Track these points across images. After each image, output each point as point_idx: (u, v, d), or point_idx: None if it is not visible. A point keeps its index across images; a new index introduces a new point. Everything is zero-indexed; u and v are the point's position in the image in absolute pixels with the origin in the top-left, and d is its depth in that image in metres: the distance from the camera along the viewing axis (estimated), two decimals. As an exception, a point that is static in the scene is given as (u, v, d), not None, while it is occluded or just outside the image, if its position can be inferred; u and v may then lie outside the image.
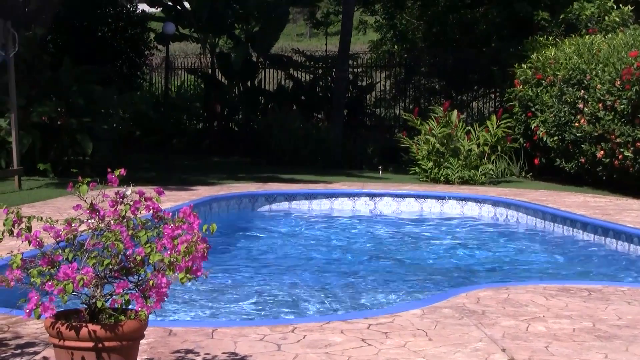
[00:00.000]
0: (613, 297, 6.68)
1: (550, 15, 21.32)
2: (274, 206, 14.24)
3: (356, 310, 7.39)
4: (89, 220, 4.10)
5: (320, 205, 14.48)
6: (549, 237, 12.12)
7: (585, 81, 16.06)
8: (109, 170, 4.15)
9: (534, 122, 17.72)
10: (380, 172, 18.97)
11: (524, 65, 18.76)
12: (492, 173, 17.46)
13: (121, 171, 4.13)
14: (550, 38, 19.51)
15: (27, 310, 3.79)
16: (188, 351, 4.85)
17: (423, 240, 12.12)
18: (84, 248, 3.99)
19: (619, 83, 14.90)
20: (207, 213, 12.41)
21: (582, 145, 15.90)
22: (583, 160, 16.08)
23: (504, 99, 20.45)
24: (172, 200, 11.66)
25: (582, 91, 16.07)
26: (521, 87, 18.58)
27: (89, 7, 24.54)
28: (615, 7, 19.29)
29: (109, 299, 3.93)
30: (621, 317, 6.00)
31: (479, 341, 5.25)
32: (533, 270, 9.85)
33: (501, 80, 22.95)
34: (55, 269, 3.89)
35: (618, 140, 14.79)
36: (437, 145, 17.36)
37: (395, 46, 28.94)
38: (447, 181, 17.01)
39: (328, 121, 23.33)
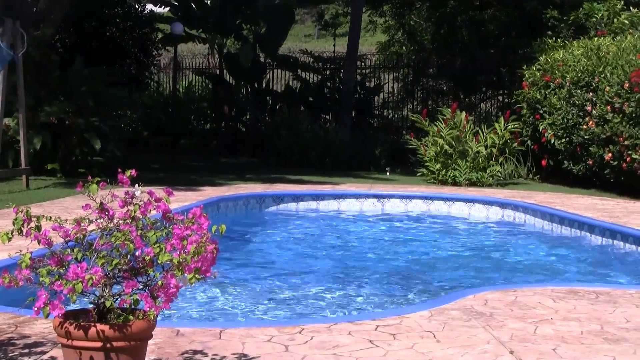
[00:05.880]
0: (621, 300, 6.66)
1: (559, 14, 21.28)
2: (282, 207, 14.24)
3: (364, 311, 7.38)
4: (98, 220, 4.10)
5: (328, 206, 14.48)
6: (556, 239, 12.10)
7: (593, 83, 16.04)
8: (119, 170, 4.15)
9: (542, 124, 17.70)
10: (388, 173, 18.96)
11: (533, 67, 18.74)
12: (499, 175, 17.45)
13: (132, 172, 4.13)
14: (558, 40, 19.48)
15: (36, 309, 3.79)
16: (196, 352, 4.85)
17: (430, 241, 12.11)
18: (93, 248, 4.00)
19: (627, 85, 14.88)
20: (214, 213, 12.42)
21: (590, 148, 15.87)
22: (591, 162, 16.06)
23: (512, 100, 20.43)
24: (179, 200, 11.68)
25: (591, 93, 16.05)
26: (529, 89, 18.56)
27: (97, 7, 24.59)
28: (625, 9, 19.25)
29: (117, 298, 3.93)
30: (629, 320, 5.99)
31: (487, 343, 5.24)
32: (541, 272, 9.83)
33: (509, 82, 22.95)
34: (64, 268, 3.89)
35: (626, 142, 14.77)
36: (445, 147, 17.36)
37: (404, 47, 28.94)
38: (455, 183, 17.00)
39: (336, 122, 23.34)
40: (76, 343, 3.81)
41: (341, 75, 25.11)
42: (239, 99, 25.48)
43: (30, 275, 3.88)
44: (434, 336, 5.37)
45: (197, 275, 3.92)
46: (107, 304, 3.87)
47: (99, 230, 4.07)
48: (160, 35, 27.28)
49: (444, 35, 26.92)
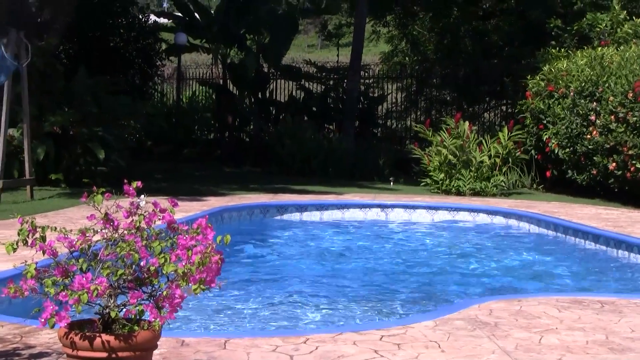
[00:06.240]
0: (626, 310, 6.65)
1: (563, 23, 21.30)
2: (285, 217, 14.22)
3: (368, 321, 7.37)
4: (103, 231, 4.10)
5: (332, 216, 14.47)
6: (560, 249, 12.08)
7: (597, 93, 16.04)
8: (125, 181, 4.15)
9: (545, 134, 17.69)
10: (392, 183, 18.96)
11: (536, 77, 18.72)
12: (503, 185, 17.44)
13: (138, 183, 4.13)
14: (562, 50, 19.48)
15: (42, 320, 3.80)
16: (201, 362, 4.86)
17: (435, 251, 12.09)
18: (98, 258, 4.00)
19: (631, 95, 14.89)
20: (218, 224, 12.41)
21: (594, 157, 15.86)
22: (595, 172, 16.04)
23: (516, 110, 20.43)
24: (184, 210, 11.67)
25: (594, 103, 16.05)
26: (533, 99, 18.54)
27: (101, 17, 24.62)
28: (628, 19, 19.27)
29: (122, 309, 3.93)
30: (634, 329, 5.98)
31: (492, 353, 5.23)
32: (545, 282, 9.82)
33: (513, 92, 22.95)
34: (69, 279, 3.90)
35: (630, 152, 14.76)
36: (449, 157, 17.36)
37: (407, 57, 28.96)
38: (459, 192, 17.00)
39: (339, 132, 23.34)
40: (81, 353, 3.81)
41: (344, 85, 25.11)
42: (242, 109, 25.49)
43: (35, 285, 3.89)
44: (439, 346, 5.36)
45: (202, 286, 3.92)
46: (112, 314, 3.87)
47: (104, 240, 4.07)
48: (164, 45, 27.32)
49: (448, 46, 26.94)
